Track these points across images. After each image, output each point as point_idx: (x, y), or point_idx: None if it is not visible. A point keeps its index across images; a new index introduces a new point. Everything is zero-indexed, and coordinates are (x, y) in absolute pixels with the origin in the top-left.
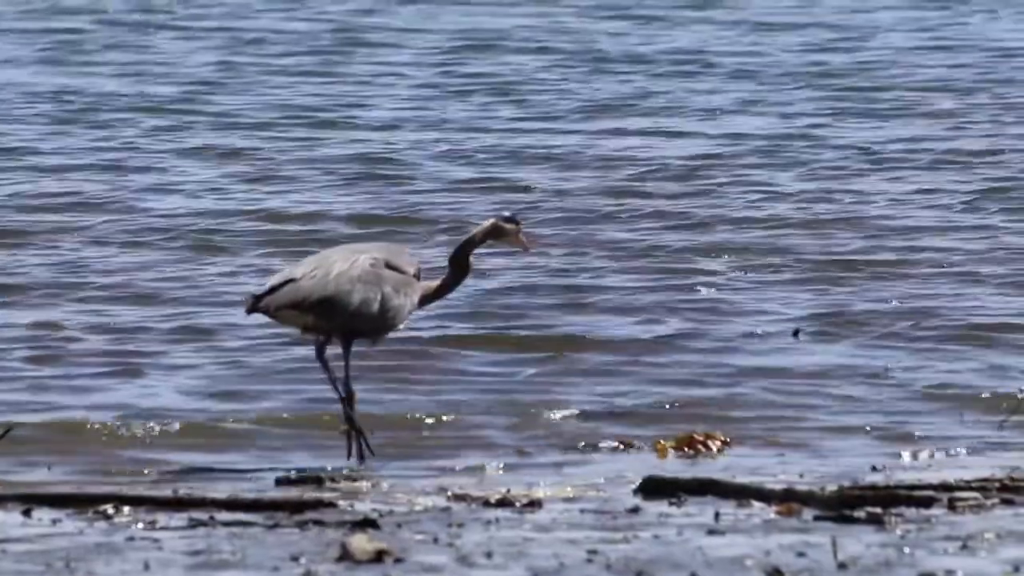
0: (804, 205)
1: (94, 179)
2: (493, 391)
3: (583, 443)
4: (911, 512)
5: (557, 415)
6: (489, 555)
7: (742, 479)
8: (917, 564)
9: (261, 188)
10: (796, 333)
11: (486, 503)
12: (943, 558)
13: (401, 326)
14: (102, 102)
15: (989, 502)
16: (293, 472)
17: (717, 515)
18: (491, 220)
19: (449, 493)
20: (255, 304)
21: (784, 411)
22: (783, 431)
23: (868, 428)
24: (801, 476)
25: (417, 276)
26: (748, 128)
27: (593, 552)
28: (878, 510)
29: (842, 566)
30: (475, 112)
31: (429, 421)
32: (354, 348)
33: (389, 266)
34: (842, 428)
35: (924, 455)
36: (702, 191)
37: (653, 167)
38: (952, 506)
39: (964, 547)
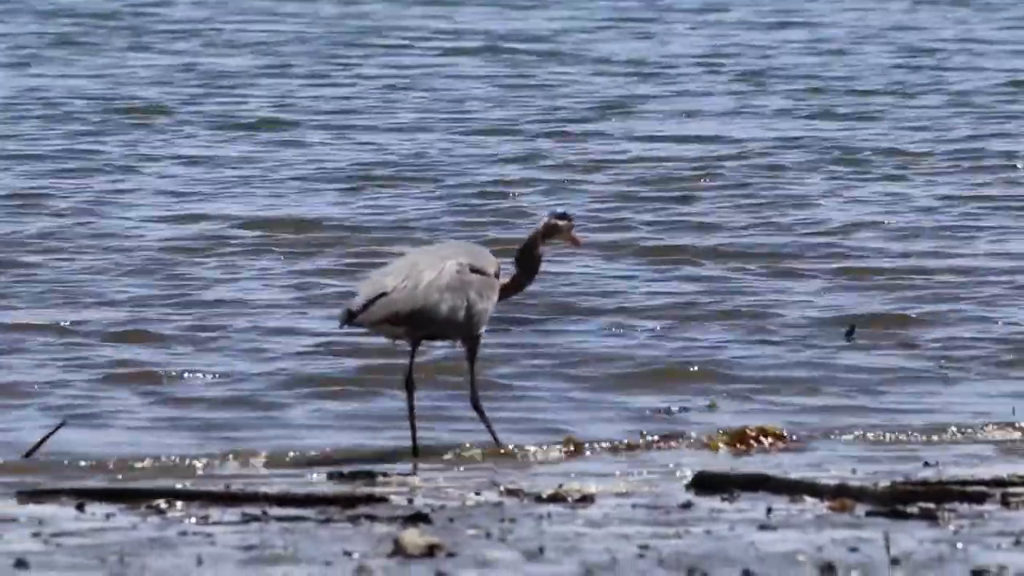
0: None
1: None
2: (545, 383)
3: (635, 438)
4: (964, 508)
5: (610, 410)
6: (541, 550)
7: (794, 475)
8: (970, 560)
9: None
10: (850, 332)
11: (538, 498)
12: (996, 553)
13: (483, 329)
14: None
15: None
16: (345, 468)
17: (769, 510)
18: (544, 220)
19: (501, 488)
20: (350, 319)
21: (836, 408)
22: (835, 427)
23: (920, 424)
24: (854, 472)
25: (497, 275)
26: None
27: (645, 547)
28: (931, 506)
29: (895, 561)
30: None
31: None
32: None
33: (473, 270)
34: (891, 426)
35: (976, 451)
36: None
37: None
38: (1005, 502)
39: (1017, 543)
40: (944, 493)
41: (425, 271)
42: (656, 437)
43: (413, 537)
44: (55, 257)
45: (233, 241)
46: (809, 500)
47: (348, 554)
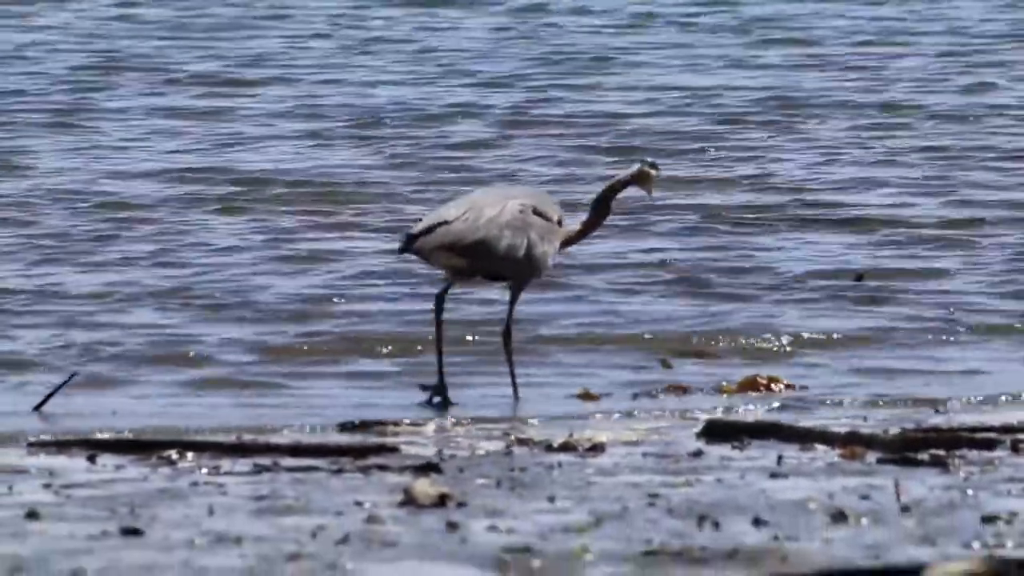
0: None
1: None
2: (557, 331)
3: (646, 387)
4: (974, 454)
5: (618, 358)
6: (552, 499)
7: (805, 422)
8: (980, 506)
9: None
10: (860, 277)
11: (548, 447)
12: (1007, 500)
13: (544, 273)
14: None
15: None
16: (357, 417)
17: (780, 458)
18: (637, 166)
19: (512, 437)
20: (409, 243)
21: (847, 355)
22: (846, 375)
23: (930, 371)
24: (864, 419)
25: (560, 222)
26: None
27: (655, 495)
28: (941, 452)
29: (905, 509)
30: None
31: (491, 367)
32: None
33: (536, 212)
34: (904, 371)
35: (987, 397)
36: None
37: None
38: (1016, 448)
39: None
40: (954, 440)
41: (487, 208)
42: (667, 385)
43: (424, 487)
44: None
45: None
46: (820, 448)
47: (359, 504)
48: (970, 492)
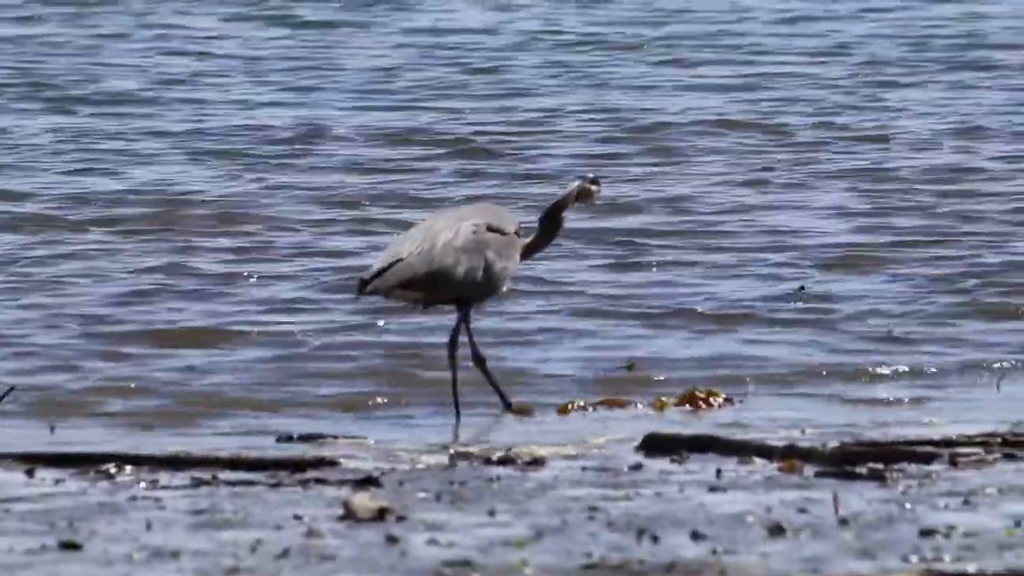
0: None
1: None
2: (494, 348)
3: (585, 401)
4: (912, 468)
5: (558, 372)
6: (492, 513)
7: (743, 436)
8: (918, 520)
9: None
10: (801, 289)
11: (488, 461)
12: (944, 513)
13: (505, 288)
14: None
15: (991, 457)
16: (295, 430)
17: (719, 472)
18: (577, 183)
19: (451, 451)
20: (363, 288)
21: (784, 368)
22: (785, 388)
23: (869, 385)
24: (803, 432)
25: (518, 233)
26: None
27: (595, 509)
28: (879, 466)
29: (843, 522)
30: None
31: (430, 378)
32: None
33: (491, 228)
34: (845, 385)
35: (925, 411)
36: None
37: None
38: (954, 462)
39: (966, 503)
40: (893, 453)
41: (440, 233)
42: (604, 399)
43: (363, 500)
44: None
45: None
46: (758, 461)
47: (298, 518)
48: (908, 505)
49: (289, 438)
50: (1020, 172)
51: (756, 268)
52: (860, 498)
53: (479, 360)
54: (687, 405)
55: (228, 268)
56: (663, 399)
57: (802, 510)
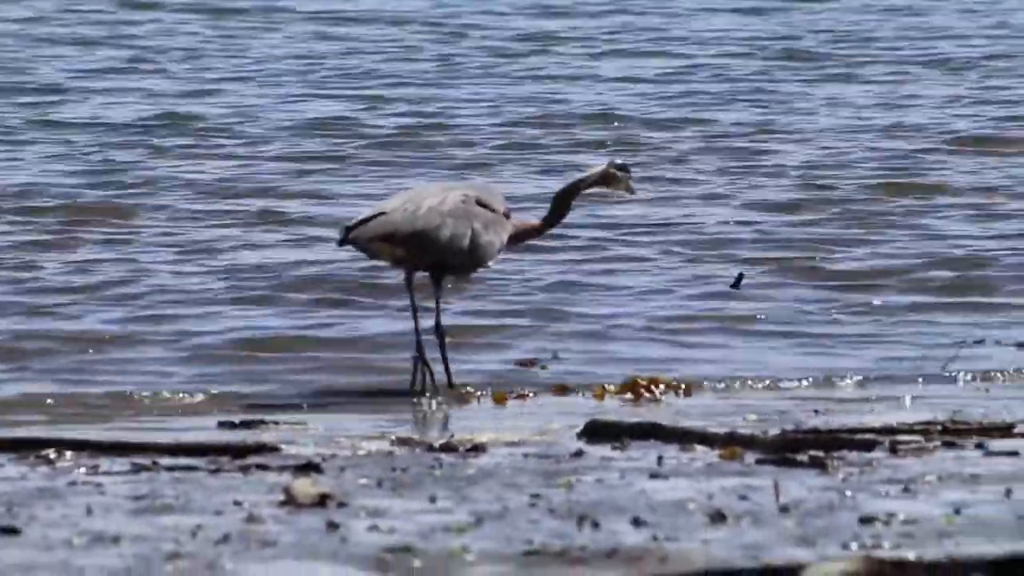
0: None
1: None
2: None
3: (527, 388)
4: (853, 455)
5: (500, 359)
6: (433, 499)
7: (685, 423)
8: (859, 507)
9: None
10: (738, 280)
11: (430, 448)
12: (885, 501)
13: (490, 263)
14: None
15: (931, 445)
16: (236, 416)
17: (660, 459)
18: (603, 166)
19: (393, 437)
20: (346, 235)
21: (727, 355)
22: (726, 375)
23: (809, 371)
24: (744, 419)
25: (507, 215)
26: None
27: (536, 496)
28: (820, 453)
29: (784, 509)
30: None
31: (374, 365)
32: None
33: (480, 203)
34: (782, 372)
35: (867, 398)
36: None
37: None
38: (894, 449)
39: (906, 490)
40: (833, 441)
41: (427, 198)
42: (546, 387)
43: (304, 486)
44: None
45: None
46: (699, 448)
47: (239, 503)
48: (848, 493)
49: (230, 424)
50: (951, 166)
51: (691, 266)
52: (801, 485)
53: (439, 334)
54: (628, 393)
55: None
56: (605, 387)
57: (743, 497)
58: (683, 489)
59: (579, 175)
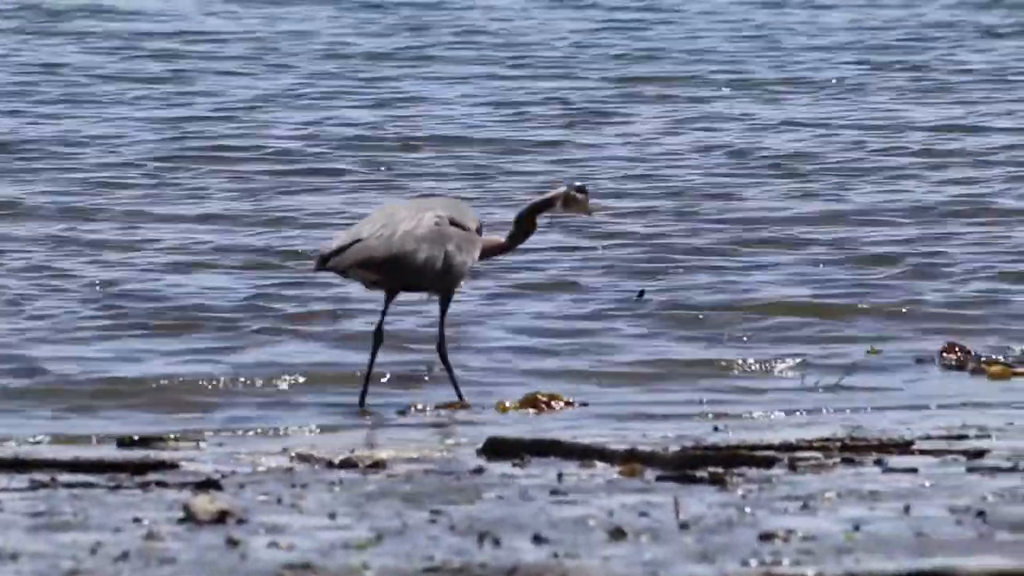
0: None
1: None
2: (340, 351)
3: (427, 404)
4: (753, 472)
5: (402, 375)
6: (332, 515)
7: (585, 440)
8: (758, 524)
9: None
10: (640, 294)
11: (330, 464)
12: (784, 518)
13: (463, 282)
14: None
15: (830, 461)
16: (135, 432)
17: (560, 476)
18: (563, 188)
19: (293, 454)
20: (323, 263)
21: (626, 372)
22: (625, 393)
23: (709, 389)
24: (644, 436)
25: (479, 231)
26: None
27: (436, 512)
28: (720, 470)
29: (684, 526)
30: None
31: (275, 382)
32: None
33: (453, 223)
34: (683, 389)
35: (766, 415)
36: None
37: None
38: (793, 466)
39: (805, 507)
40: (733, 458)
41: (403, 221)
42: (445, 403)
43: (203, 503)
44: None
45: None
46: (600, 465)
47: (138, 520)
48: (748, 510)
49: (130, 440)
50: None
51: (588, 274)
52: (700, 502)
53: (441, 348)
54: (529, 409)
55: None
56: (505, 403)
57: (643, 514)
58: (583, 506)
59: (537, 197)
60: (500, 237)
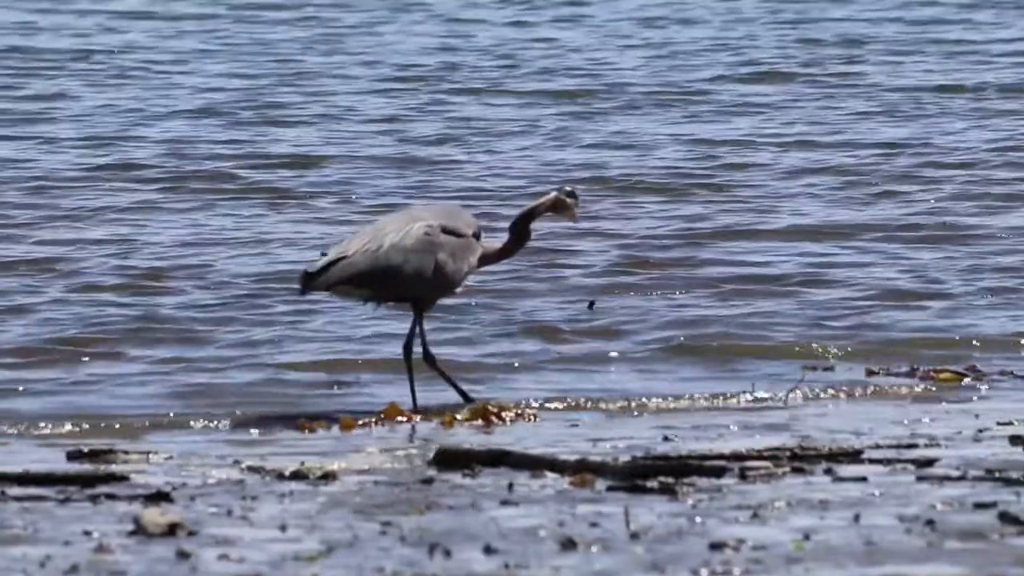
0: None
1: None
2: (290, 361)
3: (378, 415)
4: (703, 482)
5: (351, 385)
6: (283, 528)
7: (536, 450)
8: (708, 533)
9: None
10: (591, 305)
11: (280, 475)
12: (734, 527)
13: (458, 289)
14: None
15: (780, 471)
16: (85, 445)
17: (511, 486)
18: (554, 194)
19: (243, 466)
20: (309, 283)
21: (577, 383)
22: (577, 403)
23: (659, 398)
24: (594, 446)
25: (476, 236)
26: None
27: (387, 524)
28: (670, 480)
29: (634, 536)
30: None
31: (225, 395)
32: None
33: (445, 230)
34: (634, 400)
35: (715, 424)
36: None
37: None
38: (743, 475)
39: (755, 516)
40: (683, 467)
41: (388, 235)
42: (396, 414)
43: (154, 516)
44: None
45: None
46: (550, 475)
47: (88, 533)
48: (698, 519)
49: (80, 453)
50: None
51: (544, 284)
52: (651, 512)
53: (430, 359)
54: (479, 420)
55: None
56: (454, 414)
57: (594, 524)
58: (534, 516)
59: (531, 203)
60: (498, 243)
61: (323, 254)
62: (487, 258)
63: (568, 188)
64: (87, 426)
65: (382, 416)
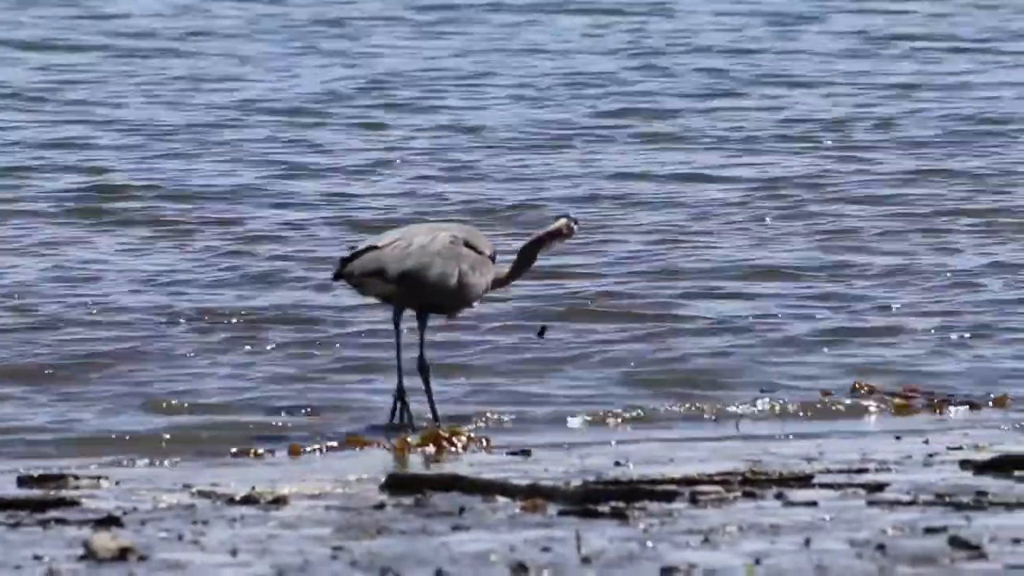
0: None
1: None
2: (238, 387)
3: (327, 440)
4: (654, 506)
5: (302, 413)
6: (234, 552)
7: (487, 475)
8: (660, 557)
9: None
10: (542, 332)
11: (231, 500)
12: (685, 551)
13: (475, 304)
14: None
15: (731, 495)
16: (35, 470)
17: (462, 511)
18: (564, 220)
19: (194, 490)
20: (342, 268)
21: (528, 407)
22: (529, 427)
23: (613, 421)
24: (546, 471)
25: (492, 258)
26: None
27: (338, 548)
28: (621, 504)
29: (586, 560)
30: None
31: (176, 418)
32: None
33: (467, 245)
34: (586, 422)
35: (667, 449)
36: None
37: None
38: (694, 500)
39: (706, 540)
40: (634, 492)
41: (417, 236)
42: (346, 439)
43: (104, 540)
44: None
45: None
46: (502, 500)
47: (38, 558)
48: (649, 544)
49: (30, 478)
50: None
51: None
52: (602, 536)
53: (423, 368)
54: (431, 445)
55: None
56: (407, 439)
57: (545, 549)
58: (485, 541)
59: (541, 230)
60: (507, 268)
61: (351, 247)
62: (499, 281)
63: (572, 214)
64: (37, 451)
65: (337, 443)
